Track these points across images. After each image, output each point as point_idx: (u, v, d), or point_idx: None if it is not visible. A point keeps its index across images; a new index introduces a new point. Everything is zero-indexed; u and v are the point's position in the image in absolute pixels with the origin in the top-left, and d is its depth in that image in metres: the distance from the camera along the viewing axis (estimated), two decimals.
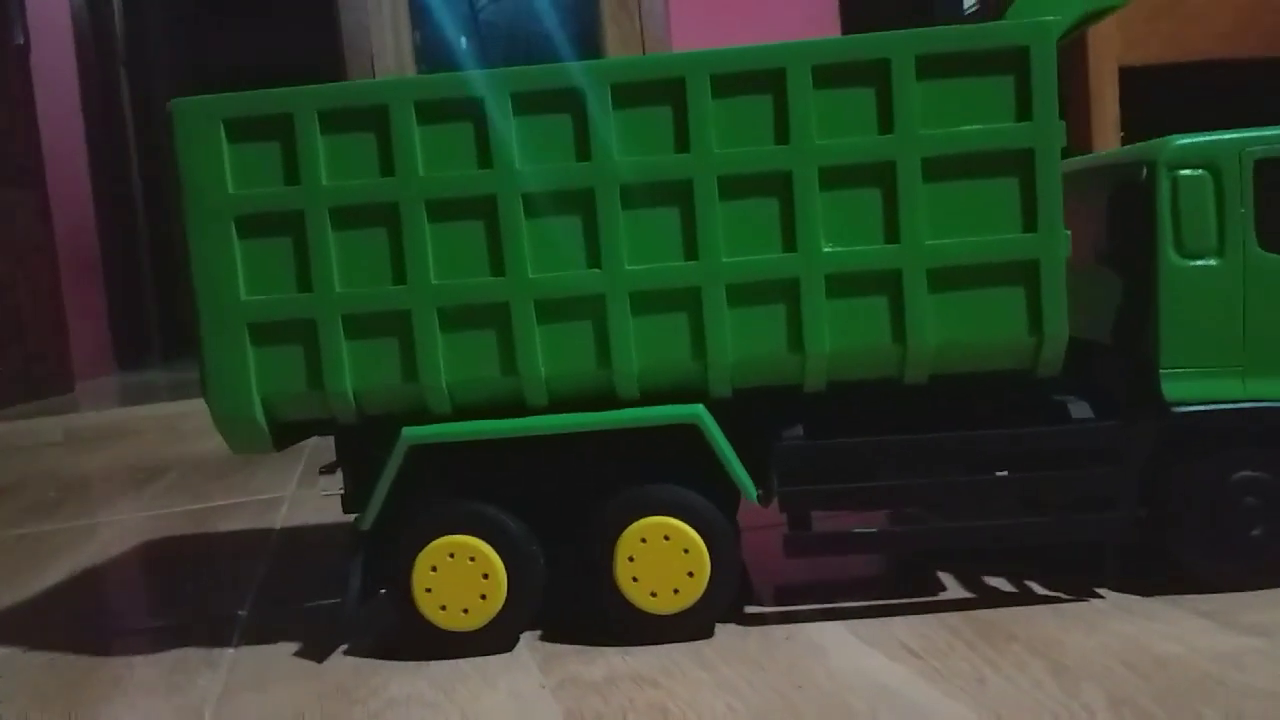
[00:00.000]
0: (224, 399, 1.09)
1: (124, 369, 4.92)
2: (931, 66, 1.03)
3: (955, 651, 1.00)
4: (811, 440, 1.08)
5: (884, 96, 1.04)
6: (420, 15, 3.26)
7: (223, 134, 1.07)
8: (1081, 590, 1.12)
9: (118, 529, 1.89)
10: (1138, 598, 1.09)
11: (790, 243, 1.05)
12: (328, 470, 1.18)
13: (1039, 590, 1.14)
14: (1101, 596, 1.10)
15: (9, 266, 3.81)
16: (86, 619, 1.38)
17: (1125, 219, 1.09)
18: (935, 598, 1.14)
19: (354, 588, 1.11)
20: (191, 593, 1.45)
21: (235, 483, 2.24)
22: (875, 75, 1.03)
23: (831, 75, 1.03)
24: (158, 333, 5.58)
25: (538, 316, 1.07)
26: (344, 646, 1.15)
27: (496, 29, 3.35)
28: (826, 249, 1.05)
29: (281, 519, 1.84)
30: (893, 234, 1.04)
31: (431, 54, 3.28)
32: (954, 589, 1.17)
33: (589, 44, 3.41)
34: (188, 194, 1.07)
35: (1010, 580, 1.17)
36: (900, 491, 1.08)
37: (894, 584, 1.19)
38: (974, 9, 3.12)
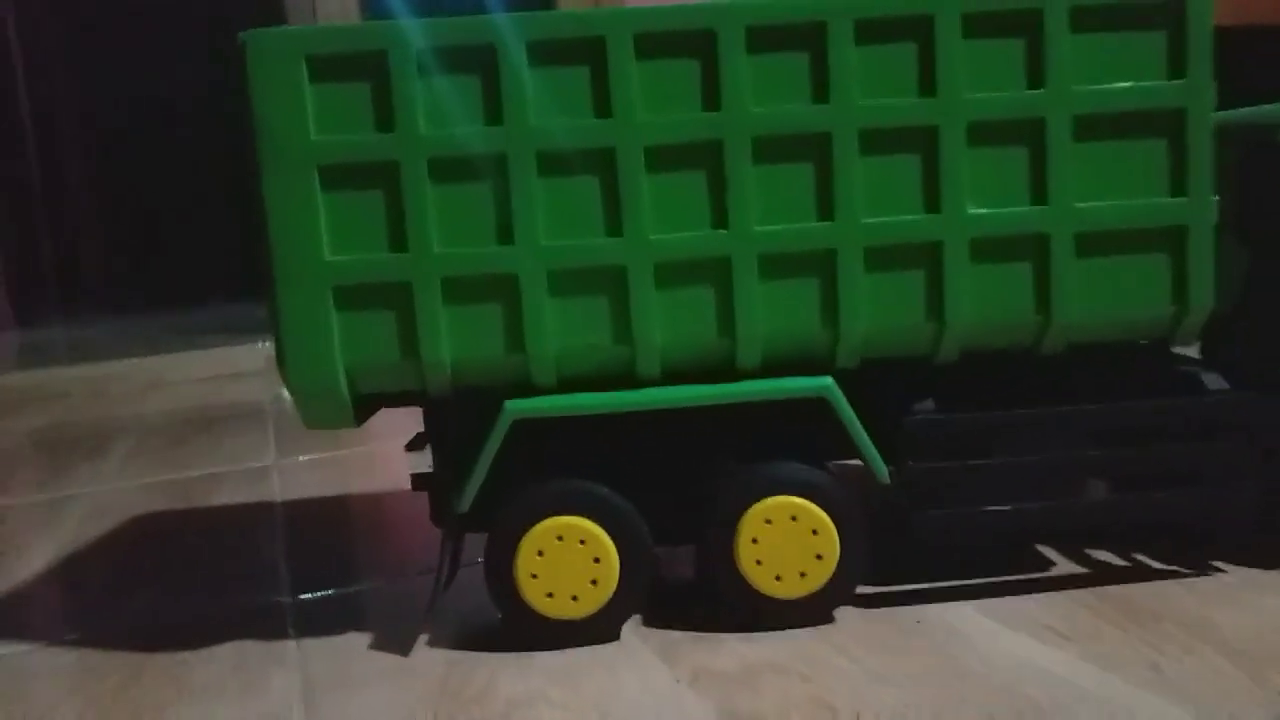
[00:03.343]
0: (304, 369, 0.98)
1: (23, 326, 4.61)
2: (1085, 18, 0.97)
3: (1105, 634, 0.96)
4: (947, 414, 1.02)
5: (1035, 49, 0.97)
6: None
7: (305, 72, 0.94)
8: (1195, 563, 1.10)
9: (90, 504, 1.74)
10: (1260, 571, 1.07)
11: (934, 203, 0.98)
12: (414, 446, 1.08)
13: (1153, 564, 1.11)
14: (1224, 570, 1.08)
15: None
16: (99, 609, 1.24)
17: (1259, 184, 1.06)
18: (1049, 573, 1.10)
19: (444, 573, 1.02)
20: (214, 577, 1.32)
21: (202, 450, 2.09)
22: (1027, 26, 0.97)
23: (981, 24, 0.97)
24: (56, 286, 5.24)
25: (656, 281, 0.98)
26: (425, 637, 1.06)
27: None
28: (972, 210, 0.98)
29: (278, 491, 1.71)
30: (1040, 196, 0.99)
31: (376, 2, 3.09)
32: (1063, 564, 1.13)
33: None
34: (263, 140, 0.95)
35: (1116, 553, 1.14)
36: (1043, 467, 1.03)
37: (998, 559, 1.14)
38: None
